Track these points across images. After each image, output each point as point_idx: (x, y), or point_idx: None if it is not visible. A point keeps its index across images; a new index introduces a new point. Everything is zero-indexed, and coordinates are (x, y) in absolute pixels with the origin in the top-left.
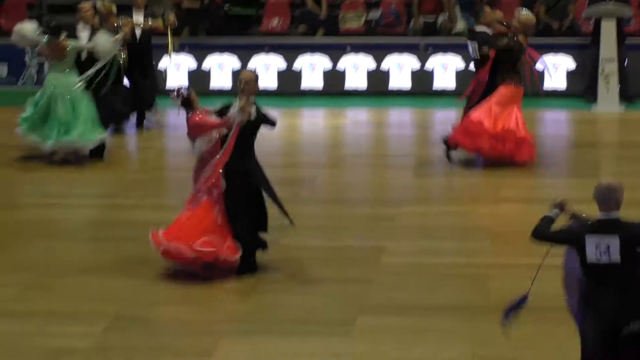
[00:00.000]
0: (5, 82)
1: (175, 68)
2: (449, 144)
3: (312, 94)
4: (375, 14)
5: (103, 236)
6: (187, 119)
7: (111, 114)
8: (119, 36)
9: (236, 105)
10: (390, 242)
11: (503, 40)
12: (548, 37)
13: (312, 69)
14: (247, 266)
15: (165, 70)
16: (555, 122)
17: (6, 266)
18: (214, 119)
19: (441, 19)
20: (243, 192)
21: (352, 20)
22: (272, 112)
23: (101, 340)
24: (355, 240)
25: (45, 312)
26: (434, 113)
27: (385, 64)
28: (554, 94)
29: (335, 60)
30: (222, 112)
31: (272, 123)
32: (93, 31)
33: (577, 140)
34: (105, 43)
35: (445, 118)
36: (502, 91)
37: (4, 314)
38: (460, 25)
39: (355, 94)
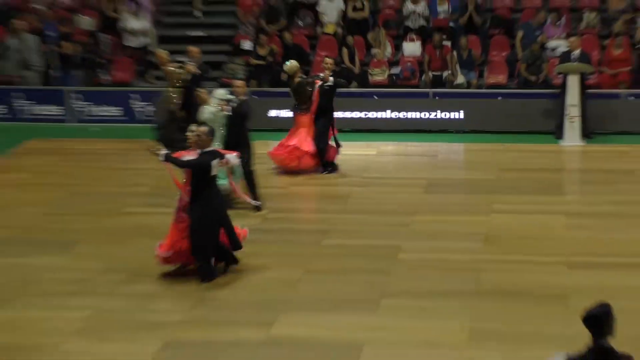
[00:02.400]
0: (114, 121)
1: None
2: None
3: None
4: (395, 70)
5: None
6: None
7: None
8: None
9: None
10: (406, 242)
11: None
12: (527, 88)
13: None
14: (209, 273)
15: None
16: (530, 152)
17: (117, 258)
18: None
19: (445, 74)
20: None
21: (378, 74)
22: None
23: (188, 315)
24: (379, 240)
25: (144, 293)
26: (439, 145)
27: None
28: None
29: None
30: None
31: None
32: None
33: (549, 167)
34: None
35: (448, 148)
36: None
37: (113, 294)
38: (460, 79)
39: (380, 130)
